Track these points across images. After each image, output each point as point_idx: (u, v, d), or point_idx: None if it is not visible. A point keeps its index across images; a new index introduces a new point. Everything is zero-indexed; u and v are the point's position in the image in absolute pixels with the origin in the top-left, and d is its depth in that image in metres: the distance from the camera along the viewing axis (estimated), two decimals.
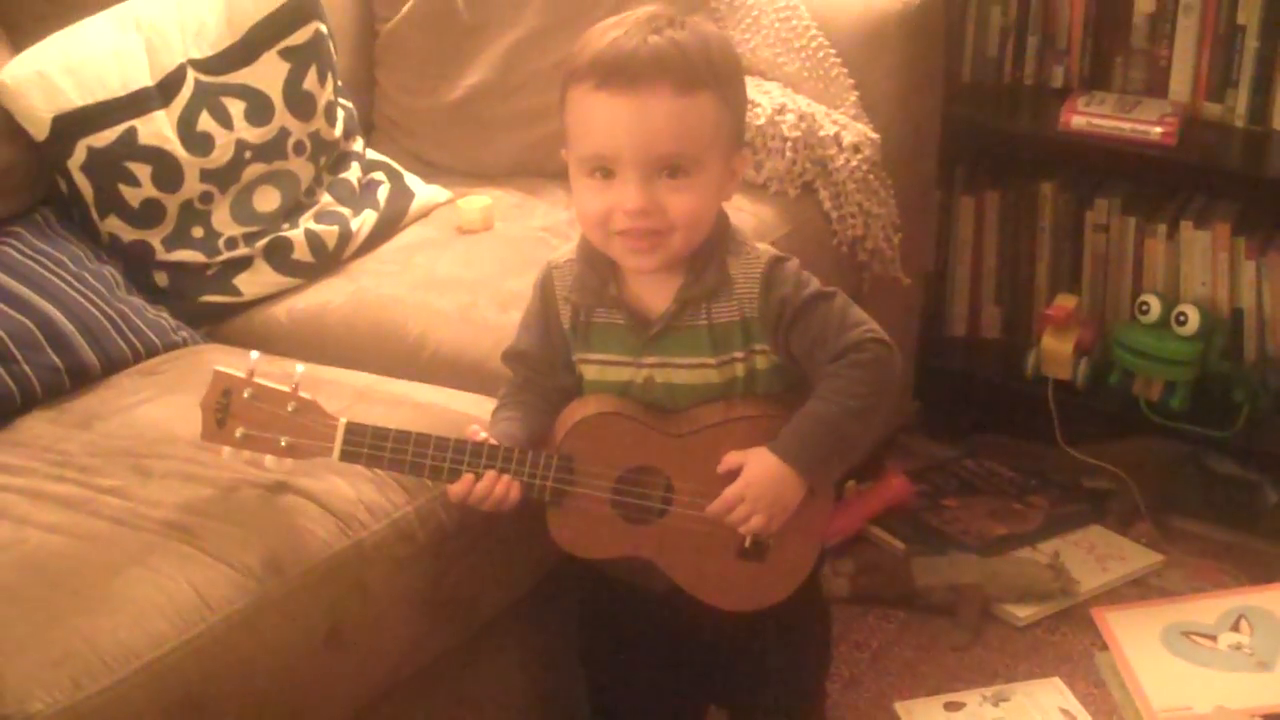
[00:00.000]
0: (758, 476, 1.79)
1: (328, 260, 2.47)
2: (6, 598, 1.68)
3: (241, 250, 2.42)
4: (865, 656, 2.62)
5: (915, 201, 2.92)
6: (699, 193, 1.73)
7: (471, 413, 2.03)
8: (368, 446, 1.79)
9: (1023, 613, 2.69)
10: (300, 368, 1.80)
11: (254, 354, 1.79)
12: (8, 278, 2.15)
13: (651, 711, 2.05)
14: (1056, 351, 3.00)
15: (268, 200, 2.46)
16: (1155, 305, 2.92)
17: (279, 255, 2.43)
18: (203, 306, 2.40)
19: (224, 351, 2.25)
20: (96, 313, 2.18)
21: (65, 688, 1.57)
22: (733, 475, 1.80)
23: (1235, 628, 2.62)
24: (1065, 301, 3.03)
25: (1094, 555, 2.85)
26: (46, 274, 2.19)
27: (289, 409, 1.77)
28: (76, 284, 2.20)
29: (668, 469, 1.82)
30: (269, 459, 1.79)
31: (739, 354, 1.81)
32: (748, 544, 1.84)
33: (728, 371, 1.82)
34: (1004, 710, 2.49)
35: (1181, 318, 2.89)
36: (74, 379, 2.13)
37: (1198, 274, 2.95)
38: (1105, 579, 2.78)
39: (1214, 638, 2.60)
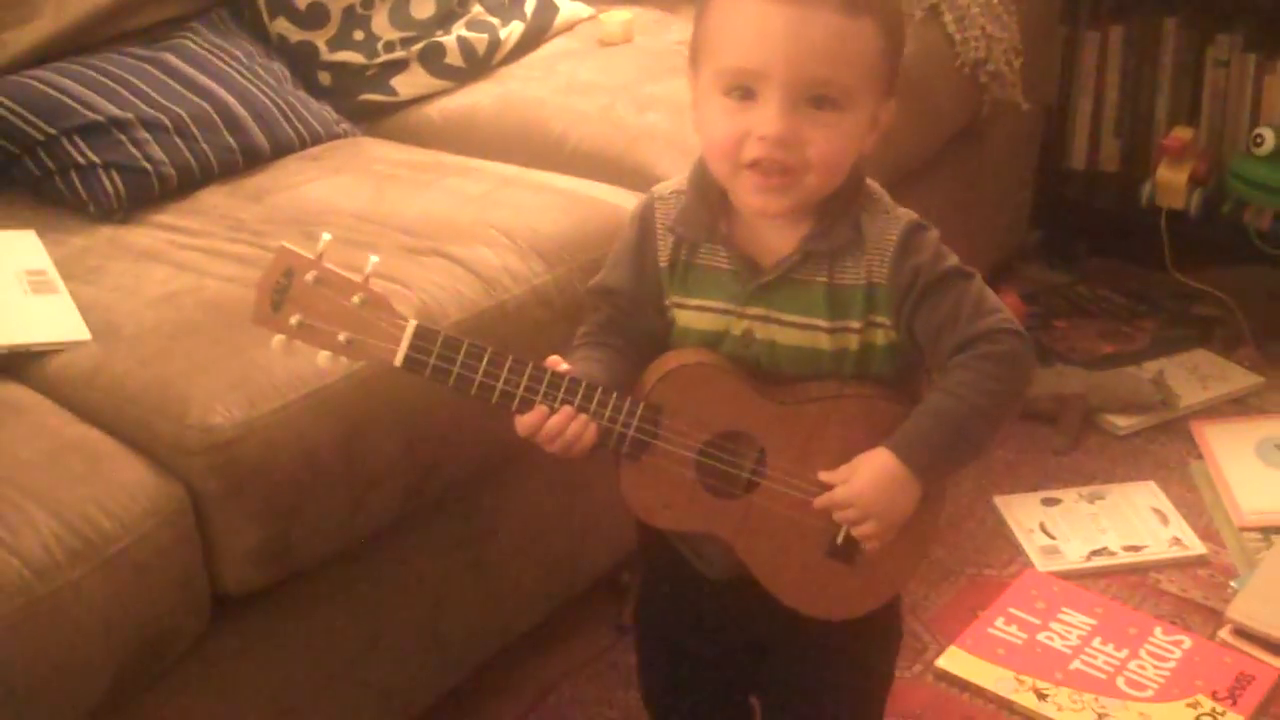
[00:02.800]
0: (873, 479, 1.55)
1: (478, 65, 2.65)
2: (190, 330, 1.89)
3: (398, 53, 2.61)
4: None
5: (1040, 33, 3.03)
6: (844, 131, 1.50)
7: (610, 200, 2.21)
8: (436, 355, 1.54)
9: (1123, 422, 2.84)
10: (374, 259, 1.55)
11: (326, 235, 1.54)
12: (189, 66, 2.35)
13: (700, 706, 1.85)
14: (1172, 182, 3.11)
15: (424, 7, 2.65)
16: (1270, 137, 3.00)
17: (433, 59, 2.62)
18: (362, 105, 2.59)
19: (381, 145, 2.45)
20: (267, 101, 2.38)
21: (242, 405, 1.77)
22: (841, 456, 1.58)
23: None
24: (1182, 133, 3.13)
25: (1196, 375, 2.98)
26: (223, 65, 2.39)
27: (355, 300, 1.53)
28: (250, 75, 2.41)
29: (764, 439, 1.59)
30: (322, 355, 1.56)
31: (856, 323, 1.58)
32: (840, 540, 1.60)
33: (840, 340, 1.58)
34: (1098, 507, 2.64)
35: None
36: (247, 159, 2.33)
37: None
38: (1205, 396, 2.92)
39: None
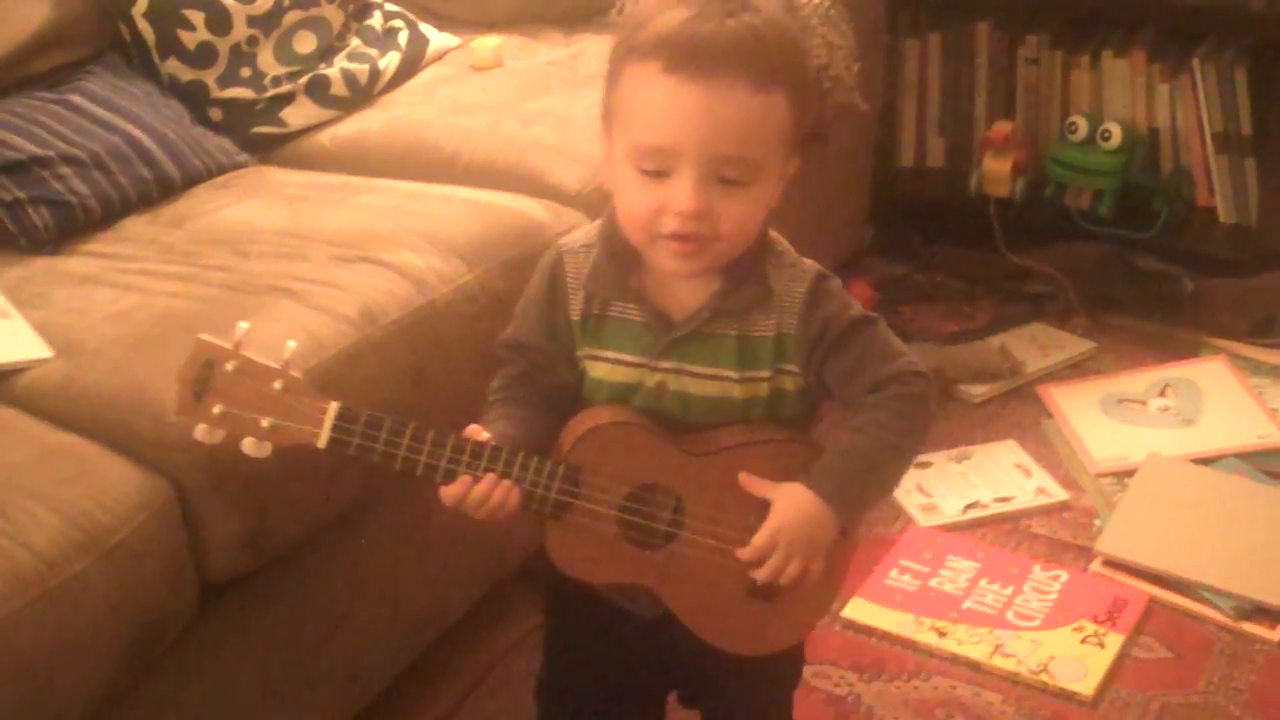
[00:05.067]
0: (791, 516, 1.59)
1: (361, 94, 2.79)
2: (150, 340, 2.00)
3: (285, 87, 2.74)
4: None
5: (868, 41, 3.26)
6: (754, 200, 1.54)
7: (514, 206, 2.38)
8: (359, 435, 1.58)
9: (977, 391, 3.08)
10: (292, 344, 1.58)
11: (243, 324, 1.56)
12: (95, 105, 2.47)
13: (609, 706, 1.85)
14: (996, 171, 3.36)
15: (306, 43, 2.78)
16: (1082, 125, 3.28)
17: (319, 90, 2.75)
18: (254, 137, 2.71)
19: (283, 172, 2.58)
20: (172, 135, 2.50)
21: None
22: (754, 501, 1.61)
23: (1162, 394, 3.03)
24: (1002, 127, 3.39)
25: (1036, 345, 3.23)
26: (125, 103, 2.50)
27: (276, 386, 1.56)
28: (151, 111, 2.52)
29: (681, 490, 1.63)
30: (247, 442, 1.59)
31: (765, 372, 1.61)
32: (760, 582, 1.63)
33: (751, 389, 1.62)
34: (966, 466, 2.87)
35: (1106, 134, 3.25)
36: (161, 189, 2.44)
37: (1119, 98, 3.31)
38: (1047, 363, 3.17)
39: (1144, 403, 3.01)
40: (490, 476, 1.59)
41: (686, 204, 1.51)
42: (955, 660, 2.42)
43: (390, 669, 2.24)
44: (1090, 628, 2.46)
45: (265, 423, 1.57)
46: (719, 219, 1.52)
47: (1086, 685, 2.35)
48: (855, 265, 3.49)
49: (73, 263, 2.24)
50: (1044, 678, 2.37)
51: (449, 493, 1.60)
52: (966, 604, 2.52)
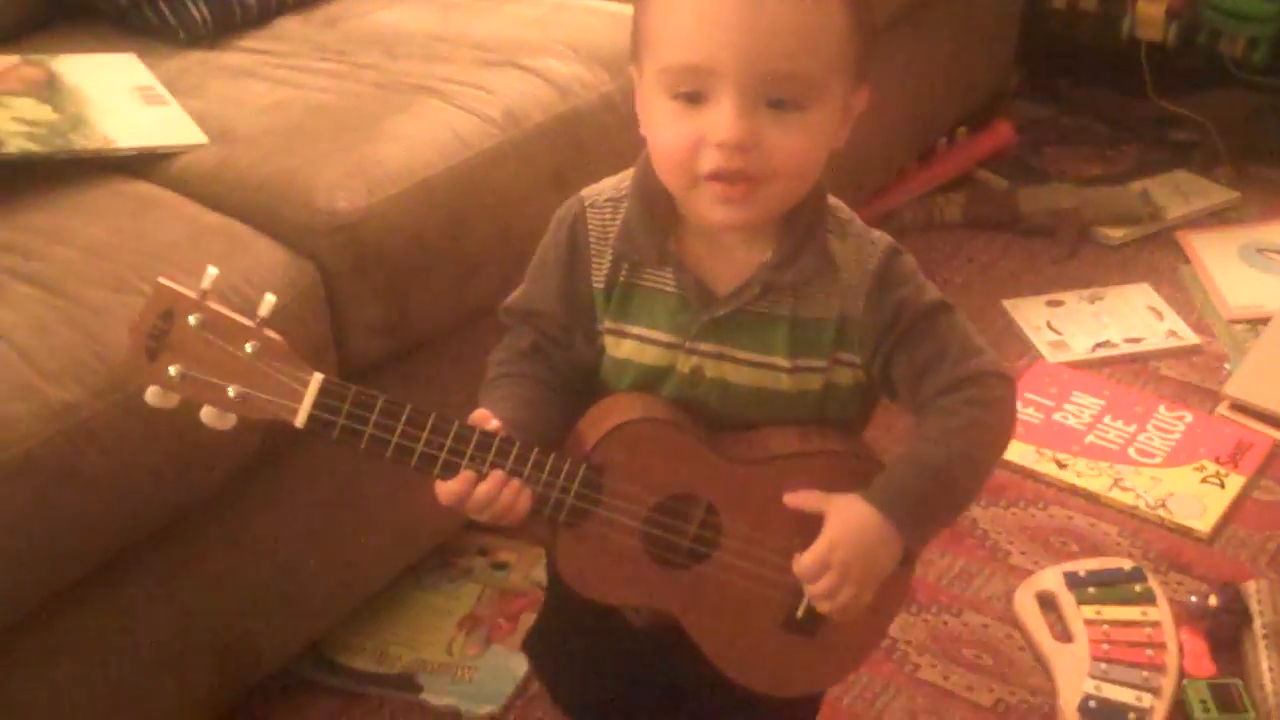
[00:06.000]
0: (847, 532, 1.35)
1: None
2: (301, 131, 2.06)
3: None
4: (975, 268, 3.00)
5: None
6: (812, 131, 1.29)
7: None
8: (345, 414, 1.32)
9: (1115, 234, 3.07)
10: (271, 297, 1.33)
11: (212, 269, 1.31)
12: None
13: None
14: (1150, 15, 3.30)
15: None
16: None
17: None
18: None
19: None
20: None
21: (361, 192, 1.95)
22: (802, 520, 1.38)
23: None
24: None
25: (1179, 192, 3.21)
26: None
27: (248, 349, 1.31)
28: None
29: (718, 503, 1.40)
30: (207, 411, 1.34)
31: (821, 362, 1.38)
32: (801, 613, 1.42)
33: (802, 381, 1.39)
34: (1099, 306, 2.87)
35: None
36: None
37: None
38: (1188, 210, 3.16)
39: None
40: (497, 474, 1.35)
41: (727, 132, 1.26)
42: (1074, 491, 2.44)
43: None
44: (1211, 468, 2.47)
45: (232, 391, 1.32)
46: (770, 152, 1.27)
47: (1204, 523, 2.37)
48: (999, 106, 3.47)
49: (228, 57, 2.30)
50: (1161, 513, 2.39)
51: (448, 490, 1.35)
52: (1089, 438, 2.54)
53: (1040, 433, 2.55)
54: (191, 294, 1.30)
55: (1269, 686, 2.04)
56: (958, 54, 3.19)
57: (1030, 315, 2.84)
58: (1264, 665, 2.07)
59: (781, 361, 1.38)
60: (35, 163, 1.96)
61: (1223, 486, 2.43)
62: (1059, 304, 2.87)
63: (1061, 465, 2.49)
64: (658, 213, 1.38)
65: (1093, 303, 2.88)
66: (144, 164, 2.02)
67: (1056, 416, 2.59)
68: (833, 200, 1.40)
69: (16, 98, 2.05)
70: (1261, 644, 2.09)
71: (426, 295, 2.01)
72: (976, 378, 1.37)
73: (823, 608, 1.38)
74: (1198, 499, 2.41)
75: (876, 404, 1.46)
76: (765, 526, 1.40)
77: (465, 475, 1.35)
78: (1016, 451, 2.50)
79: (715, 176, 1.28)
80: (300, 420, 1.33)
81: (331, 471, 2.01)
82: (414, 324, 2.01)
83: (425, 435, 1.33)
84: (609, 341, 1.43)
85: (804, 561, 1.36)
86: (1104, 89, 3.50)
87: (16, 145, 1.94)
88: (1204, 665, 2.10)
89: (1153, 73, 3.34)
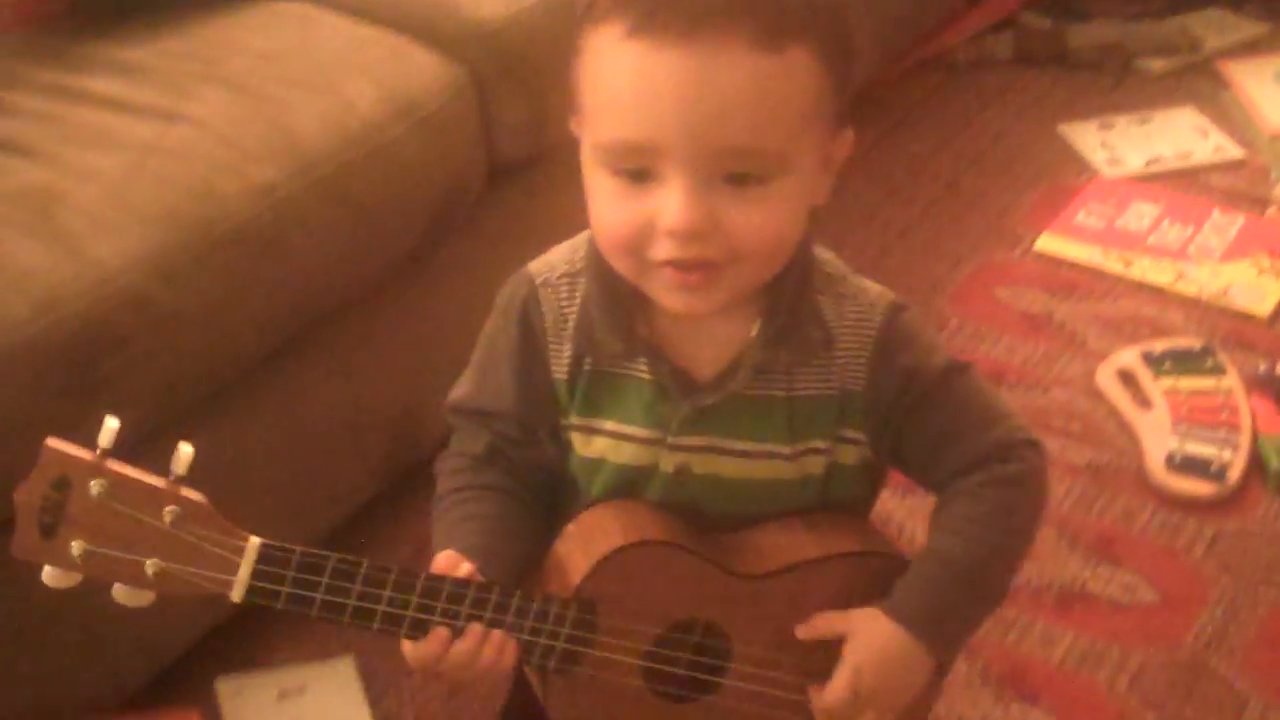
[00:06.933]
0: (870, 656, 1.21)
1: None
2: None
3: None
4: (1028, 98, 3.20)
5: None
6: (782, 203, 1.10)
7: None
8: (290, 582, 1.11)
9: (1157, 65, 3.25)
10: (187, 449, 1.08)
11: (112, 421, 1.06)
12: None
13: None
14: None
15: None
16: None
17: None
18: None
19: None
20: None
21: (505, 2, 2.12)
22: (819, 643, 1.24)
23: None
24: None
25: (1213, 27, 3.38)
26: None
27: (165, 516, 1.08)
28: None
29: (728, 625, 1.23)
30: (118, 590, 1.11)
31: (822, 443, 1.22)
32: None
33: (804, 466, 1.23)
34: (1148, 128, 3.06)
35: None
36: None
37: None
38: (1224, 42, 3.33)
39: None
40: (475, 628, 1.15)
41: (676, 219, 1.07)
42: (1140, 286, 2.64)
43: None
44: (1267, 262, 2.67)
45: (150, 567, 1.09)
46: (731, 233, 1.08)
47: (1264, 307, 2.57)
48: None
49: None
50: (1223, 301, 2.58)
51: (420, 653, 1.16)
52: (1150, 239, 2.73)
53: (1105, 235, 2.74)
54: (86, 456, 1.06)
55: None
56: None
57: (1085, 137, 3.03)
58: None
59: (781, 449, 1.21)
60: None
61: (1279, 277, 2.63)
62: (1110, 126, 3.06)
63: (1127, 263, 2.67)
64: (620, 294, 1.18)
65: (1142, 124, 3.06)
66: None
67: (1118, 222, 2.77)
68: (822, 254, 1.22)
69: None
70: None
71: (564, 97, 2.18)
72: (1002, 450, 1.22)
73: None
74: (1257, 288, 2.61)
75: (886, 478, 1.32)
76: (779, 646, 1.24)
77: (438, 633, 1.14)
78: (1084, 253, 2.69)
79: (670, 265, 1.11)
80: (238, 595, 1.11)
81: (488, 259, 2.20)
82: (556, 124, 2.18)
83: (387, 594, 1.13)
84: (577, 439, 1.24)
85: (827, 700, 1.22)
86: None
87: None
88: (1276, 423, 2.30)
89: None
